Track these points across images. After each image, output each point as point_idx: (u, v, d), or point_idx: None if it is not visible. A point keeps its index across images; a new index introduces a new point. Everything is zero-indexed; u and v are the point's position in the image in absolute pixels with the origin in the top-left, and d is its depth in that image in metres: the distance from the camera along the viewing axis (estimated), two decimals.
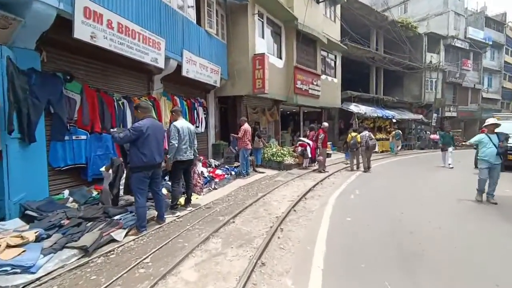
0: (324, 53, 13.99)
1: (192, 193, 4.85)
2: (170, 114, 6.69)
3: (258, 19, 9.41)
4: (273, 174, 8.18)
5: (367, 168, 9.07)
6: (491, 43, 27.11)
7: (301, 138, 9.78)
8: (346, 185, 6.76)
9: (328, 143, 9.95)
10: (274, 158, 9.29)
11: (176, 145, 4.21)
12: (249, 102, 10.59)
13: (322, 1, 12.42)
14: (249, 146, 7.45)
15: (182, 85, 7.54)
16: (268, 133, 11.87)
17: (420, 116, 21.40)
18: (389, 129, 18.53)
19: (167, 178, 5.69)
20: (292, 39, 11.12)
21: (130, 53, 4.90)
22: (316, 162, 9.63)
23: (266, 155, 9.50)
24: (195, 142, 4.58)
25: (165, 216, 3.94)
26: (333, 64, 15.02)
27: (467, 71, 25.44)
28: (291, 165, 9.18)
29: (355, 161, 9.45)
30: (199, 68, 7.14)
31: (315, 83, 12.32)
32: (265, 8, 9.58)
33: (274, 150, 9.76)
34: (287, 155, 9.56)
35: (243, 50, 8.89)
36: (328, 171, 8.72)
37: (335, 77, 14.97)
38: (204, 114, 8.41)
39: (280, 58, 10.88)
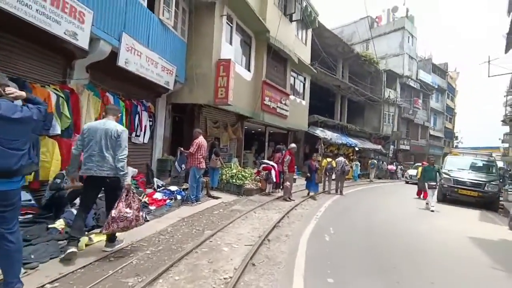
0: (294, 74, 13.49)
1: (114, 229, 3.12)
2: (98, 114, 5.01)
3: (227, 22, 8.37)
4: (231, 200, 6.71)
5: (341, 192, 9.65)
6: (436, 86, 30.29)
7: (265, 161, 8.58)
8: (317, 220, 5.57)
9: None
10: (234, 180, 7.88)
11: (75, 152, 3.02)
12: (209, 114, 9.21)
13: (295, 21, 12.04)
14: (203, 165, 5.94)
15: (122, 81, 5.90)
16: (229, 151, 10.49)
17: (379, 147, 22.09)
18: (351, 157, 18.45)
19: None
20: (262, 53, 10.28)
21: (23, 13, 3.26)
22: (281, 188, 8.45)
23: (224, 176, 8.05)
24: (123, 153, 2.99)
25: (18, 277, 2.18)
26: (302, 87, 14.59)
27: (418, 109, 27.67)
28: (252, 190, 7.82)
29: (327, 186, 9.85)
30: (145, 61, 5.63)
31: (283, 102, 11.51)
32: (235, 12, 8.61)
33: (235, 171, 8.37)
34: (248, 178, 8.22)
35: (207, 53, 7.65)
36: (294, 200, 7.53)
37: (303, 99, 14.49)
38: (150, 121, 6.77)
39: (249, 70, 9.88)
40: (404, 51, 25.68)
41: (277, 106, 11.04)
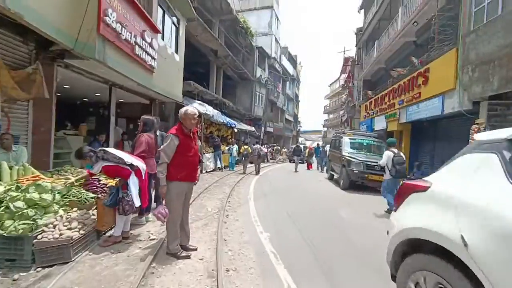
0: (164, 7, 8.16)
1: None
2: None
3: None
4: None
5: (258, 172, 11.22)
6: (292, 74, 33.20)
7: (112, 151, 3.30)
8: None
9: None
10: None
11: None
12: None
13: None
14: None
15: None
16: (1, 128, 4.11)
17: (253, 128, 20.66)
18: (229, 140, 15.37)
19: None
20: None
21: None
22: (147, 214, 3.67)
23: None
24: None
25: None
26: (175, 32, 9.44)
27: (279, 93, 29.01)
28: (63, 247, 2.55)
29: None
30: None
31: (148, 40, 6.18)
32: None
33: (1, 189, 2.64)
34: (54, 205, 2.79)
35: None
36: (194, 248, 3.07)
37: (176, 52, 9.46)
38: None
39: None
40: (272, 31, 25.36)
41: (136, 43, 5.64)
